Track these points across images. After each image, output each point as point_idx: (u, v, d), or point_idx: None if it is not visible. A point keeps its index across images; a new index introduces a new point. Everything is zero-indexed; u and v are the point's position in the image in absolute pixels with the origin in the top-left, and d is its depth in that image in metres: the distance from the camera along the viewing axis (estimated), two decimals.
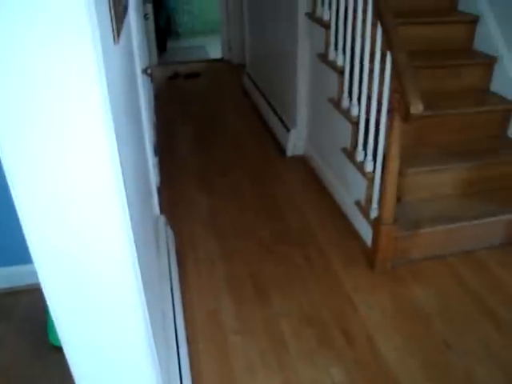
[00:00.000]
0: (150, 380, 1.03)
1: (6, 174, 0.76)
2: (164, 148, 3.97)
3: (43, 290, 0.89)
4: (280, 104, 4.07)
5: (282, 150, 3.82)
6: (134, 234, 1.05)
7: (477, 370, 1.91)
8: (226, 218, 3.00)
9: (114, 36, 1.17)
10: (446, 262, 2.51)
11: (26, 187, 0.77)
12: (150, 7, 5.79)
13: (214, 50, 6.92)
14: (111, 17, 1.13)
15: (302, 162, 3.66)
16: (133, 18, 2.10)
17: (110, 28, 1.13)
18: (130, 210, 1.05)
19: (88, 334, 0.95)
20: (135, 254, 0.95)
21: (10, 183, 0.77)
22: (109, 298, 0.91)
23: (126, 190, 1.05)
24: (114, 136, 0.82)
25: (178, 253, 2.60)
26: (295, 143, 3.68)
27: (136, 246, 1.12)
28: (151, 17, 6.06)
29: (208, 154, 3.89)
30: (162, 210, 2.82)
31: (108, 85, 0.93)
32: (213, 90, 5.49)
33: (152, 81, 4.89)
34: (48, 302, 0.90)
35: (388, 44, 2.10)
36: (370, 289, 2.37)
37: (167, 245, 2.39)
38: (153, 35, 6.40)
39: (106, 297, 0.91)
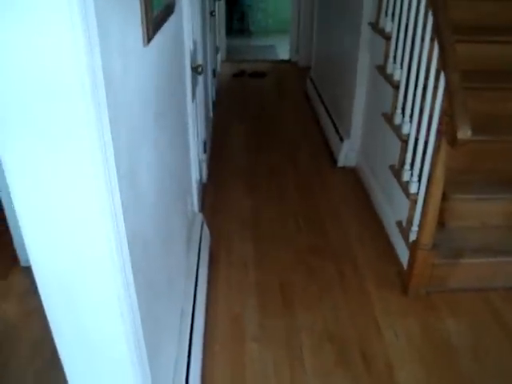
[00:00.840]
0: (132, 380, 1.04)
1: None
2: (217, 144, 4.00)
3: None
4: (337, 113, 4.00)
5: (333, 160, 3.76)
6: (136, 233, 1.06)
7: None
8: (266, 221, 2.99)
9: (143, 39, 1.18)
10: (486, 297, 2.38)
11: (20, 186, 0.79)
12: (221, 4, 5.85)
13: (284, 51, 6.91)
14: (142, 21, 1.15)
15: (352, 173, 3.58)
16: (187, 16, 2.12)
17: (139, 32, 1.15)
18: (135, 211, 1.06)
19: (77, 329, 0.97)
20: (127, 256, 0.95)
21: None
22: (93, 296, 0.92)
23: (133, 187, 1.06)
24: (109, 135, 0.82)
25: (211, 252, 2.61)
26: (347, 154, 3.61)
27: (141, 244, 1.13)
28: (223, 13, 6.13)
29: (259, 154, 3.89)
30: (202, 208, 2.84)
31: (121, 84, 0.94)
32: (275, 91, 5.49)
33: (215, 76, 4.96)
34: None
35: (443, 62, 2.01)
36: (400, 314, 2.28)
37: (199, 243, 2.40)
38: (223, 32, 6.48)
39: (91, 294, 0.92)
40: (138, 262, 1.08)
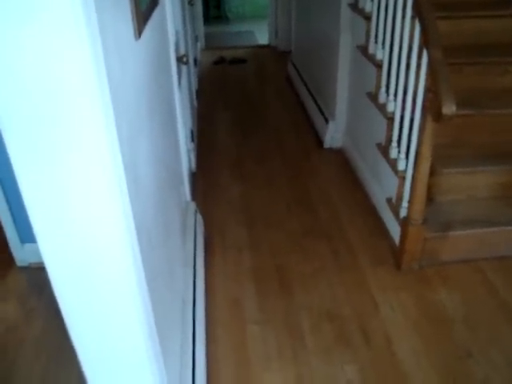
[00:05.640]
0: (149, 370, 1.07)
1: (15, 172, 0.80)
2: (203, 133, 4.01)
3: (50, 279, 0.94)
4: (320, 95, 4.03)
5: (319, 141, 3.79)
6: (140, 226, 1.08)
7: (496, 381, 1.87)
8: (258, 206, 3.02)
9: (135, 33, 1.19)
10: (477, 267, 2.44)
11: (29, 180, 0.81)
12: None
13: (264, 36, 6.89)
14: (132, 16, 1.16)
15: (339, 154, 3.62)
16: (169, 7, 2.12)
17: (131, 27, 1.16)
18: (137, 203, 1.08)
19: (91, 323, 0.99)
20: (137, 248, 0.97)
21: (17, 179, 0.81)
22: (108, 289, 0.95)
23: (137, 182, 1.08)
24: (114, 130, 0.84)
25: (206, 240, 2.64)
26: (333, 135, 3.65)
27: (145, 236, 1.15)
28: (200, 2, 6.09)
29: (246, 140, 3.91)
30: (194, 196, 2.86)
31: (119, 81, 0.96)
32: (257, 77, 5.49)
33: (196, 65, 4.94)
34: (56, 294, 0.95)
35: (425, 40, 2.04)
36: (395, 289, 2.34)
37: (195, 231, 2.43)
38: (201, 21, 6.44)
39: (106, 288, 0.95)
40: (145, 254, 1.11)
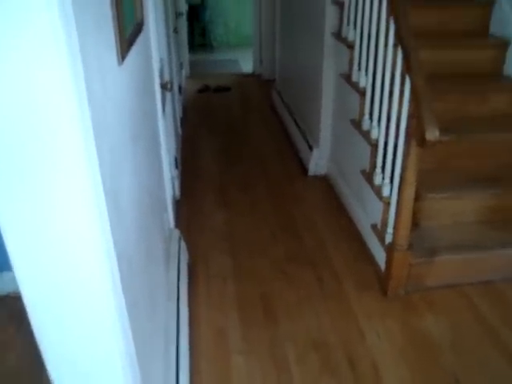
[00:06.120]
0: None
1: None
2: (187, 160, 4.00)
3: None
4: (305, 122, 4.06)
5: (304, 169, 3.80)
6: (121, 253, 1.05)
7: None
8: (242, 234, 2.99)
9: (118, 58, 1.19)
10: (462, 292, 2.43)
11: (5, 205, 0.78)
12: (183, 20, 5.87)
13: (248, 64, 6.96)
14: (116, 41, 1.15)
15: (324, 181, 3.63)
16: (153, 34, 2.13)
17: (114, 52, 1.15)
18: (119, 229, 1.05)
19: (69, 353, 0.95)
20: (117, 275, 0.95)
21: None
22: (87, 318, 0.91)
23: (119, 209, 1.06)
24: (94, 155, 0.82)
25: (190, 268, 2.60)
26: (317, 162, 3.66)
27: (126, 263, 1.12)
28: (185, 30, 6.15)
29: (231, 168, 3.90)
30: (177, 224, 2.83)
31: (101, 105, 0.94)
32: (241, 105, 5.52)
33: (181, 93, 4.96)
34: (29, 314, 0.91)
35: (407, 67, 2.07)
36: (381, 315, 2.31)
37: (178, 259, 2.39)
38: (186, 48, 6.49)
39: (85, 317, 0.91)
40: (125, 281, 1.08)
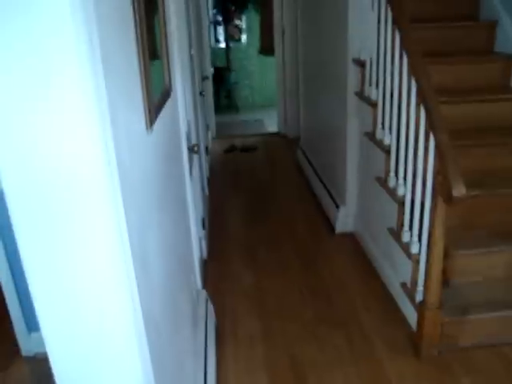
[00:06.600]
0: None
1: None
2: (214, 221, 4.03)
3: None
4: (330, 180, 4.07)
5: (331, 227, 3.78)
6: (148, 317, 1.05)
7: None
8: (271, 295, 2.96)
9: (146, 125, 1.23)
10: (499, 352, 2.33)
11: (36, 270, 0.80)
12: (209, 83, 6.07)
13: (272, 124, 7.10)
14: (144, 107, 1.20)
15: (351, 239, 3.60)
16: (181, 98, 2.21)
17: (142, 119, 1.20)
18: (146, 292, 1.06)
19: None
20: (145, 340, 0.94)
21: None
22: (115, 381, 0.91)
23: (146, 274, 1.07)
24: (123, 220, 0.84)
25: (217, 329, 2.57)
26: (344, 220, 3.64)
27: (153, 327, 1.12)
28: (211, 92, 6.34)
29: (257, 228, 3.90)
30: (204, 285, 2.82)
31: (129, 171, 0.97)
32: (267, 164, 5.60)
33: (208, 153, 5.06)
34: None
35: (430, 125, 2.09)
36: (414, 377, 2.23)
37: (206, 321, 2.37)
38: (212, 110, 6.67)
39: (111, 382, 0.91)
40: (153, 346, 1.07)
